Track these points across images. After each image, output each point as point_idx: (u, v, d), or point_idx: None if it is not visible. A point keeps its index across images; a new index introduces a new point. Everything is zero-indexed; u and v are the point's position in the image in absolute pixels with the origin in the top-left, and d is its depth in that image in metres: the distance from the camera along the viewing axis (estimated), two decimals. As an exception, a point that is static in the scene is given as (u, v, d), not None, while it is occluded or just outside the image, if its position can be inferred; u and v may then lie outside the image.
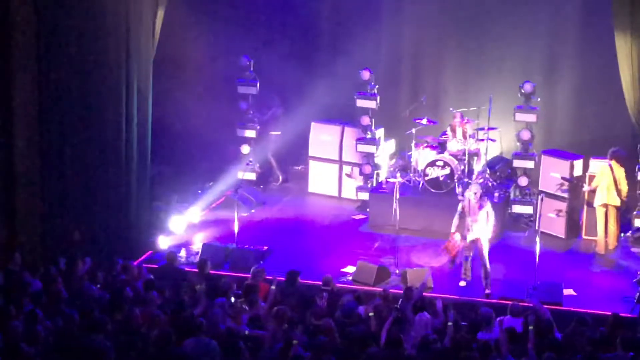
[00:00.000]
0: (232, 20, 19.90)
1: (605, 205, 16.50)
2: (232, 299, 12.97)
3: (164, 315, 11.97)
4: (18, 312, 11.68)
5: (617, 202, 16.44)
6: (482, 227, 15.00)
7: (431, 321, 12.46)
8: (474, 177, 17.93)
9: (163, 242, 16.68)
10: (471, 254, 15.21)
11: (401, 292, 13.80)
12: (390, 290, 13.80)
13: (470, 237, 15.06)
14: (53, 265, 13.92)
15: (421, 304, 12.87)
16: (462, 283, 15.32)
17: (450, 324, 12.03)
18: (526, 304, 13.82)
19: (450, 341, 11.61)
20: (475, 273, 15.27)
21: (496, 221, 15.35)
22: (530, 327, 11.64)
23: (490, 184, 17.87)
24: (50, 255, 14.65)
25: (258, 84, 19.54)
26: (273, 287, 13.01)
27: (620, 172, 16.41)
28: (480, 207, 15.00)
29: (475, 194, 15.05)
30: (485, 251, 15.01)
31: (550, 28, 19.09)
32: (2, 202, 14.92)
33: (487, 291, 14.99)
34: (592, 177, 16.88)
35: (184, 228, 17.55)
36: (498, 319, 12.63)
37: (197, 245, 16.81)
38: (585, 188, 16.87)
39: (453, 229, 15.11)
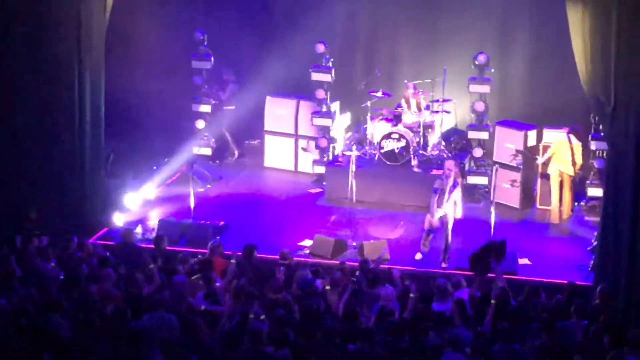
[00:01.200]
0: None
1: (561, 174, 16.65)
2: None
3: (119, 292, 11.92)
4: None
5: (572, 172, 16.60)
6: (451, 205, 15.01)
7: (395, 293, 12.49)
8: (429, 149, 18.00)
9: (118, 219, 16.58)
10: (434, 227, 15.22)
11: (356, 264, 13.87)
12: (348, 263, 13.85)
13: (439, 213, 15.06)
14: (8, 243, 13.81)
15: (378, 276, 12.90)
16: (418, 256, 15.32)
17: (412, 295, 12.07)
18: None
19: (411, 313, 11.69)
20: (434, 245, 15.30)
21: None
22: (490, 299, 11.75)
23: (445, 156, 17.95)
24: (5, 234, 14.51)
25: (212, 59, 19.43)
26: (233, 262, 12.99)
27: (577, 144, 16.58)
28: (455, 184, 15.01)
29: (450, 170, 14.99)
30: (450, 226, 15.05)
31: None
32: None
33: (444, 264, 15.07)
34: (545, 148, 17.01)
35: (139, 204, 17.46)
36: (454, 289, 12.72)
37: (153, 222, 16.73)
38: (539, 160, 16.99)
39: (433, 214, 15.07)
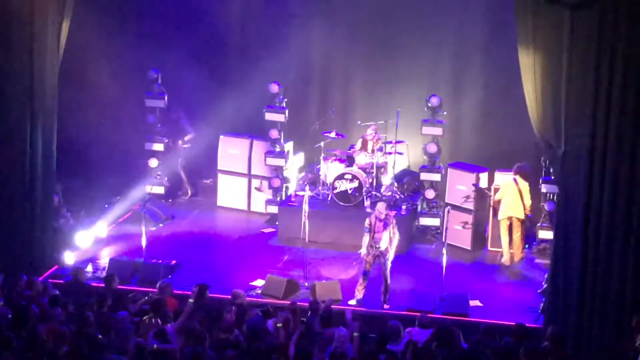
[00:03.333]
0: (140, 33, 19.74)
1: (510, 218, 16.78)
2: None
3: (69, 332, 11.79)
4: None
5: (521, 215, 16.73)
6: (386, 243, 15.04)
7: (348, 335, 12.44)
8: (382, 190, 18.07)
9: (69, 257, 16.44)
10: (370, 268, 15.22)
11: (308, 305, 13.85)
12: (299, 303, 13.81)
13: (373, 252, 15.08)
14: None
15: (330, 316, 12.88)
16: (352, 302, 15.13)
17: (356, 334, 12.08)
18: (435, 316, 14.04)
19: (357, 352, 11.68)
20: (375, 288, 15.29)
21: (400, 238, 15.40)
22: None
23: (397, 197, 18.04)
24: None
25: (166, 97, 19.43)
26: (191, 301, 12.88)
27: (524, 185, 16.72)
28: (385, 225, 15.04)
29: (380, 212, 15.05)
30: (388, 265, 15.07)
31: (456, 43, 19.33)
32: None
33: (386, 306, 15.06)
34: (497, 190, 17.15)
35: (90, 243, 17.34)
36: (406, 330, 12.74)
37: (104, 260, 16.61)
38: (494, 197, 17.09)
39: (364, 250, 15.09)
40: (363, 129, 18.49)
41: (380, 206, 15.11)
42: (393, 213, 15.37)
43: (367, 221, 15.15)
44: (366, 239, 15.03)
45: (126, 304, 13.30)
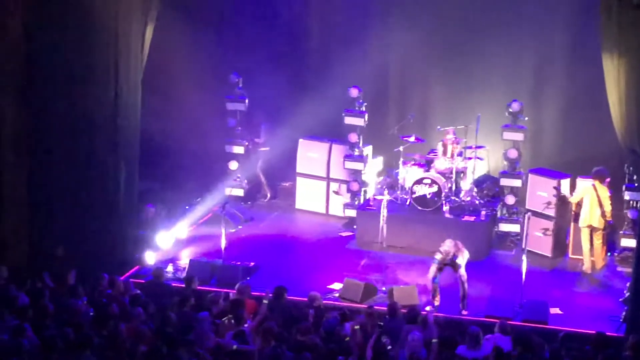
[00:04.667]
0: (222, 37, 19.95)
1: (590, 226, 16.55)
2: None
3: (149, 331, 11.95)
4: (2, 325, 11.64)
5: (601, 224, 16.45)
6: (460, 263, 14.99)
7: (422, 339, 12.41)
8: (461, 195, 17.96)
9: (150, 258, 16.65)
10: (438, 275, 15.04)
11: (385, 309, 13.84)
12: (376, 307, 13.81)
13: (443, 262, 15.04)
14: (38, 279, 13.91)
15: (413, 320, 12.87)
16: (428, 308, 14.95)
17: (434, 340, 12.04)
18: (513, 322, 13.92)
19: (434, 358, 11.64)
20: (454, 294, 15.21)
21: (477, 245, 15.25)
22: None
23: (477, 202, 17.92)
24: (36, 270, 14.62)
25: (246, 101, 19.57)
26: (265, 302, 13.00)
27: (603, 191, 16.45)
28: (455, 257, 14.95)
29: (448, 252, 14.96)
30: (462, 271, 14.99)
31: (538, 47, 19.16)
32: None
33: (464, 312, 14.98)
34: (577, 194, 16.89)
35: (171, 244, 17.53)
36: (485, 336, 12.64)
37: (184, 261, 16.77)
38: (572, 199, 16.88)
39: (430, 275, 14.99)
40: (442, 133, 18.40)
41: (447, 245, 14.97)
42: (461, 245, 15.14)
43: (438, 255, 14.97)
44: (433, 269, 14.93)
45: (207, 304, 13.42)
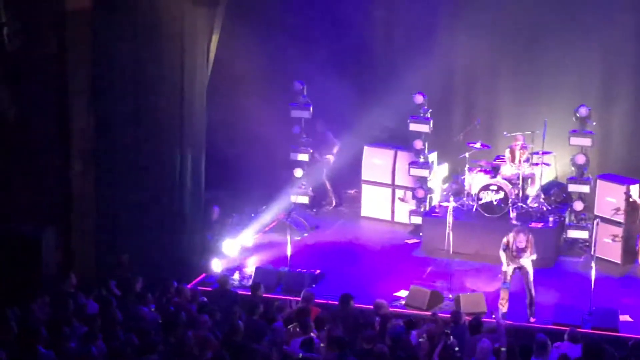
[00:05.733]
0: (286, 45, 19.99)
1: (660, 232, 16.32)
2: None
3: (215, 339, 12.01)
4: (72, 333, 11.78)
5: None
6: (526, 258, 14.84)
7: (492, 347, 12.30)
8: (529, 201, 17.79)
9: (216, 265, 16.75)
10: (510, 280, 14.98)
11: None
12: (441, 315, 13.72)
13: (513, 265, 14.89)
14: (105, 288, 14.08)
15: (476, 329, 12.77)
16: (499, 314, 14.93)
17: (503, 349, 11.93)
18: (582, 330, 13.75)
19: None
20: (521, 300, 15.07)
21: (545, 251, 15.07)
22: None
23: (544, 209, 17.74)
24: (103, 277, 14.79)
25: (311, 108, 19.62)
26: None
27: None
28: (525, 248, 14.85)
29: (521, 242, 14.85)
30: (530, 277, 14.84)
31: (605, 51, 18.94)
32: (58, 223, 15.11)
33: (532, 319, 14.82)
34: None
35: (237, 251, 17.62)
36: (554, 344, 12.50)
37: (250, 269, 16.85)
38: None
39: (504, 265, 14.94)
40: (509, 139, 18.24)
41: (522, 237, 14.86)
42: (532, 239, 15.02)
43: (504, 239, 14.93)
44: (503, 255, 14.86)
45: (274, 312, 13.46)
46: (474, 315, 13.37)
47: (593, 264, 15.03)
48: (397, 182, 19.38)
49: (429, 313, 14.60)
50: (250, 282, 15.81)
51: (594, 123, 17.84)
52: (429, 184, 19.04)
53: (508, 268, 14.90)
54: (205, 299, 13.97)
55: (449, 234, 16.13)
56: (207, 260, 16.75)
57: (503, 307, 15.00)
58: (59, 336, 11.54)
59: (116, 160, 15.51)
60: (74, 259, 15.21)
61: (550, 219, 17.44)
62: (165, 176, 15.86)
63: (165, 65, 15.61)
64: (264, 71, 19.68)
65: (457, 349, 12.20)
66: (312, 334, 12.52)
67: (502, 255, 14.93)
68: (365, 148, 19.62)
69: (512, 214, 17.48)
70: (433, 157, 19.28)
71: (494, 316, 14.70)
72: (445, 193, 19.15)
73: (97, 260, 15.39)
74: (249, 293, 14.54)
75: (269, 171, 19.99)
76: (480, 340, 12.32)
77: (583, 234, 17.64)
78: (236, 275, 16.53)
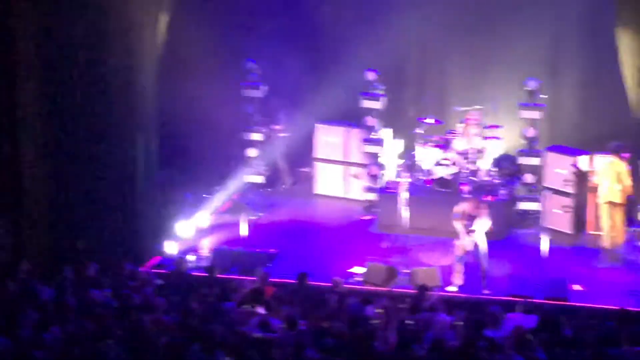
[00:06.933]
0: (236, 24, 19.95)
1: (609, 202, 16.49)
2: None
3: (172, 321, 12.04)
4: (26, 319, 11.75)
5: (621, 199, 16.40)
6: (478, 230, 15.01)
7: (447, 321, 12.45)
8: (481, 174, 17.95)
9: (171, 248, 16.73)
10: (463, 254, 15.17)
11: (410, 291, 13.87)
12: (399, 290, 13.85)
13: (467, 237, 15.06)
14: (60, 273, 14.03)
15: (435, 303, 12.94)
16: (452, 288, 15.16)
17: (459, 323, 12.07)
18: (535, 301, 13.95)
19: (460, 340, 11.67)
20: (474, 273, 15.24)
21: (498, 223, 15.28)
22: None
23: (496, 181, 17.91)
24: (57, 263, 14.73)
25: (263, 87, 19.59)
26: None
27: (621, 166, 16.37)
28: (477, 216, 15.01)
29: (472, 210, 15.04)
30: (483, 250, 15.01)
31: (554, 25, 19.06)
32: (10, 210, 15.02)
33: (486, 292, 15.01)
34: (597, 173, 16.84)
35: (192, 233, 17.60)
36: (507, 315, 12.67)
37: (205, 250, 16.85)
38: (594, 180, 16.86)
39: (461, 236, 15.11)
40: (461, 114, 18.38)
41: (473, 205, 15.03)
42: (484, 207, 15.19)
43: (458, 208, 15.12)
44: (458, 224, 15.01)
45: (229, 293, 13.50)
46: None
47: (544, 235, 15.23)
48: (350, 159, 19.44)
49: (385, 289, 14.72)
50: (206, 263, 15.83)
51: (544, 96, 17.99)
52: (383, 160, 19.12)
53: (463, 241, 15.03)
54: (161, 282, 13.96)
55: (403, 209, 16.23)
56: (162, 243, 16.72)
57: (458, 279, 15.17)
58: (13, 323, 11.50)
59: (68, 147, 15.39)
60: (27, 246, 15.12)
61: (502, 191, 17.62)
62: (117, 161, 15.77)
63: (115, 49, 15.50)
64: (216, 51, 19.61)
65: (411, 322, 12.32)
66: (268, 314, 12.59)
67: (457, 225, 15.09)
68: (318, 126, 19.64)
69: (465, 188, 17.63)
70: (386, 133, 19.35)
71: (453, 289, 14.89)
72: (399, 169, 19.23)
73: (51, 246, 15.31)
74: (205, 274, 14.56)
75: (223, 151, 19.96)
76: (438, 315, 12.49)
77: (534, 206, 17.84)
78: (191, 257, 16.51)
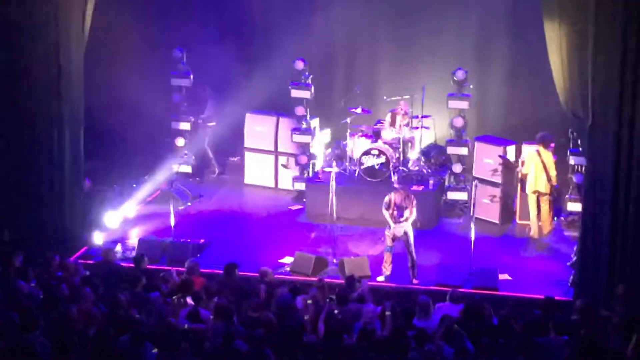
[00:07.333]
0: (164, 12, 19.77)
1: (536, 192, 16.69)
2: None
3: (99, 312, 11.89)
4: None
5: (547, 189, 16.60)
6: (407, 220, 15.07)
7: (375, 311, 12.47)
8: (409, 164, 18.04)
9: (98, 238, 16.54)
10: (392, 244, 15.22)
11: (338, 281, 13.86)
12: (327, 280, 13.85)
13: (396, 228, 15.11)
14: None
15: (363, 293, 12.96)
16: (381, 278, 15.22)
17: (388, 313, 12.10)
18: (464, 290, 14.05)
19: (388, 330, 11.71)
20: (403, 263, 15.31)
21: (427, 213, 15.36)
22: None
23: (425, 171, 18.01)
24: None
25: (191, 76, 19.44)
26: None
27: (548, 156, 16.57)
28: (406, 206, 15.07)
29: (400, 199, 15.10)
30: (411, 240, 15.09)
31: (481, 15, 19.20)
32: None
33: (415, 281, 15.09)
34: (523, 163, 17.03)
35: (119, 223, 17.42)
36: (437, 305, 12.74)
37: (133, 240, 16.68)
38: (521, 170, 17.02)
39: (391, 223, 15.14)
40: (389, 104, 18.44)
41: (402, 195, 15.10)
42: (413, 198, 15.26)
43: (386, 198, 15.17)
44: (386, 213, 15.06)
45: (158, 284, 13.38)
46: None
47: (472, 225, 15.36)
48: (279, 149, 19.40)
49: (314, 279, 14.72)
50: (134, 253, 15.67)
51: (471, 86, 18.11)
52: (312, 150, 19.11)
53: (391, 231, 15.08)
54: (88, 273, 13.79)
55: (332, 199, 16.24)
56: (89, 233, 16.52)
57: (387, 269, 15.23)
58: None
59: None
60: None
61: (431, 181, 17.72)
62: (43, 152, 15.53)
63: (39, 37, 15.23)
64: (144, 39, 19.46)
65: (335, 311, 12.32)
66: (197, 304, 12.51)
67: (386, 214, 15.14)
68: (247, 115, 19.55)
69: (394, 178, 17.66)
70: (315, 123, 19.34)
71: (381, 278, 14.95)
72: (328, 159, 19.27)
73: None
74: (133, 265, 14.41)
75: (151, 141, 19.79)
76: (366, 305, 12.50)
77: (462, 196, 17.96)
78: (119, 248, 16.33)
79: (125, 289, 12.88)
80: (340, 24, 19.88)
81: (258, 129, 19.50)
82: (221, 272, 13.94)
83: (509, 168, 17.32)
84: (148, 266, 14.40)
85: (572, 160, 16.80)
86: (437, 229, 17.38)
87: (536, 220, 16.79)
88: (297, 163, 19.00)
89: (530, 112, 18.61)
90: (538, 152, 16.59)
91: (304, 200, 18.35)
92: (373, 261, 15.63)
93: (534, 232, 16.84)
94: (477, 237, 15.50)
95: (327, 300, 12.90)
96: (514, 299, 14.04)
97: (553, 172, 16.58)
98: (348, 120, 18.32)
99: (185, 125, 19.68)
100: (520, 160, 17.15)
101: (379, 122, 18.61)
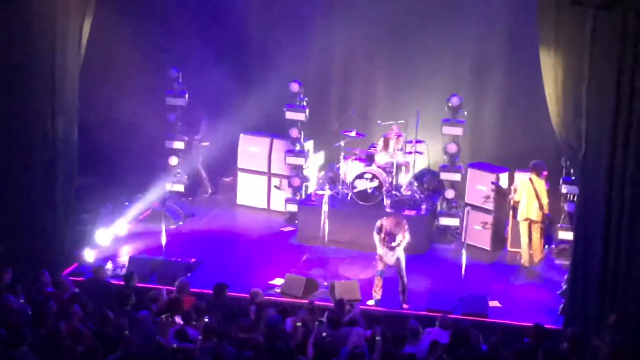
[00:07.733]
0: (161, 32, 19.81)
1: (528, 220, 16.71)
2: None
3: (87, 330, 11.84)
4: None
5: (539, 217, 16.62)
6: (399, 244, 15.05)
7: (364, 334, 12.44)
8: (402, 189, 18.05)
9: (89, 255, 16.49)
10: (384, 268, 15.19)
11: (329, 304, 13.83)
12: (317, 302, 13.82)
13: (386, 251, 15.08)
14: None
15: (354, 317, 12.93)
16: (371, 302, 15.16)
17: (378, 338, 12.07)
18: (454, 316, 14.02)
19: (378, 355, 11.68)
20: (394, 287, 15.29)
21: (418, 238, 15.35)
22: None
23: (417, 196, 18.02)
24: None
25: (187, 96, 19.47)
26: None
27: (540, 184, 16.61)
28: (397, 231, 15.05)
29: (392, 224, 15.08)
30: (403, 264, 15.07)
31: (477, 42, 19.25)
32: None
33: (405, 306, 15.06)
34: (516, 190, 17.06)
35: (110, 240, 17.38)
36: (426, 330, 12.72)
37: (123, 258, 16.65)
38: (514, 197, 17.03)
39: (379, 250, 15.12)
40: (383, 128, 18.47)
41: (394, 221, 15.08)
42: (405, 224, 15.24)
43: (378, 222, 15.16)
44: (377, 237, 15.05)
45: (147, 302, 13.33)
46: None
47: (464, 251, 15.37)
48: (273, 170, 19.40)
49: (304, 301, 14.68)
50: (124, 271, 15.63)
51: (466, 112, 18.17)
52: (305, 172, 19.13)
53: (383, 255, 15.04)
54: (78, 290, 13.74)
55: (324, 222, 16.24)
56: (80, 250, 16.48)
57: (377, 293, 15.20)
58: None
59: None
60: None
61: (423, 206, 17.72)
62: (35, 166, 15.50)
63: (35, 49, 15.23)
64: (140, 58, 19.46)
65: (324, 334, 12.28)
66: (186, 324, 12.46)
67: (376, 238, 15.12)
68: (241, 136, 19.57)
69: (386, 202, 17.69)
70: (309, 145, 19.37)
71: (371, 302, 14.92)
72: (321, 181, 19.27)
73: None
74: (123, 283, 14.37)
75: (144, 159, 19.78)
76: (354, 328, 12.47)
77: (454, 222, 17.98)
78: (109, 265, 16.29)
79: (115, 307, 12.83)
80: (336, 47, 19.95)
81: (252, 150, 19.52)
82: (211, 292, 13.89)
83: (501, 195, 17.36)
84: (138, 284, 14.35)
85: (564, 189, 16.86)
86: (428, 254, 17.38)
87: (527, 248, 16.81)
88: (290, 185, 19.01)
89: (523, 140, 18.62)
90: (530, 179, 16.63)
91: (296, 222, 18.34)
92: (364, 285, 15.60)
93: (524, 260, 16.85)
94: (468, 263, 15.51)
95: (317, 322, 12.85)
96: (503, 326, 14.01)
97: (545, 200, 16.61)
98: (342, 143, 18.34)
99: (179, 145, 19.69)
100: (512, 188, 17.18)
101: (372, 145, 18.65)
